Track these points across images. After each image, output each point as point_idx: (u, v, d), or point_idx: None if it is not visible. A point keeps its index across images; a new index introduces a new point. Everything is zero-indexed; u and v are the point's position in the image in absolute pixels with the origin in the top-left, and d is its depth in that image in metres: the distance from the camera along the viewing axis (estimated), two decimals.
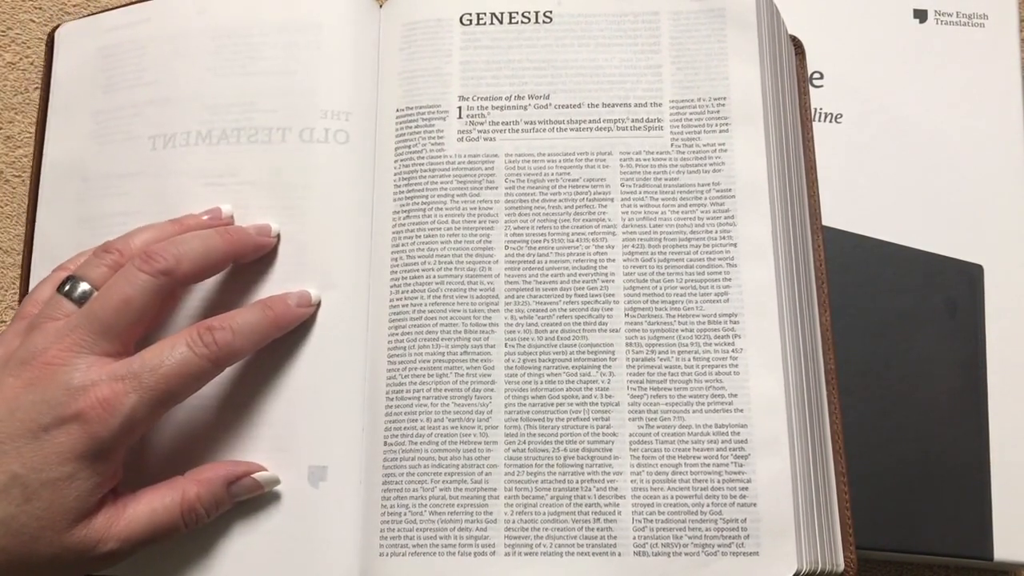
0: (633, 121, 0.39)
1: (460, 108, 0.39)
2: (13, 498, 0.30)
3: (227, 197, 0.39)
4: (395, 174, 0.39)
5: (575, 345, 0.36)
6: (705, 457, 0.35)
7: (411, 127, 0.39)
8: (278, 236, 0.38)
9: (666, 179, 0.38)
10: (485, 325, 0.37)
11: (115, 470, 0.32)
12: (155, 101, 0.40)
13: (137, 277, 0.33)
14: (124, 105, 0.41)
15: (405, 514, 0.35)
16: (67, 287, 0.34)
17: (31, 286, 0.40)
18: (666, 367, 0.36)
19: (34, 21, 0.51)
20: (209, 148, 0.39)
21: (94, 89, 0.42)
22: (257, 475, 0.35)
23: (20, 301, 0.40)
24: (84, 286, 0.34)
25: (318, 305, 0.37)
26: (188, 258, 0.34)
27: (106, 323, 0.33)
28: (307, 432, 0.36)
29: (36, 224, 0.41)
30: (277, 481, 0.36)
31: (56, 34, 0.43)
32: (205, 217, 0.38)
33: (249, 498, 0.35)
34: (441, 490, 0.35)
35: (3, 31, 0.51)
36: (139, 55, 0.41)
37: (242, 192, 0.39)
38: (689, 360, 0.36)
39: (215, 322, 0.34)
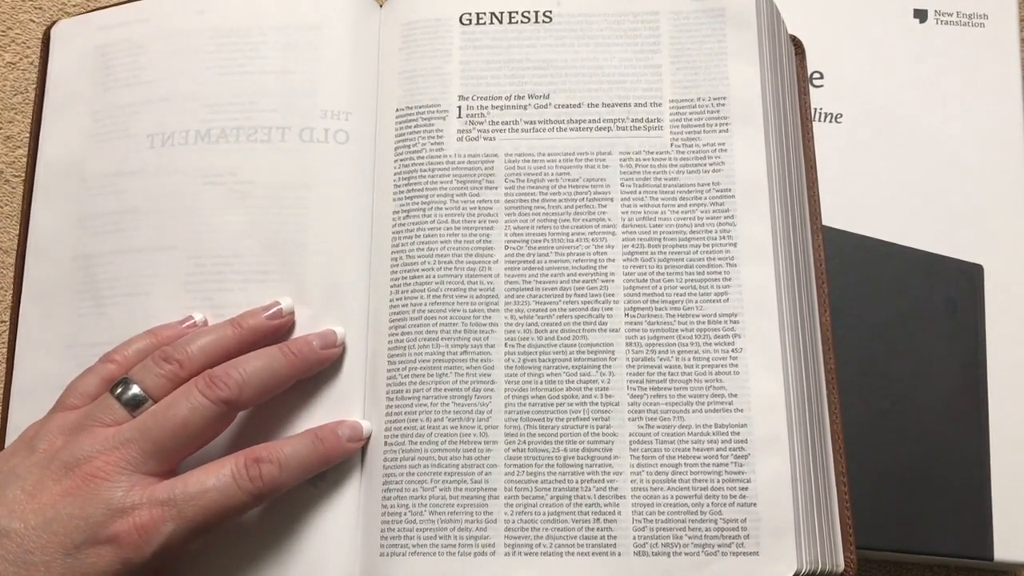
0: (633, 121, 0.39)
1: (460, 108, 0.39)
2: None
3: (227, 196, 0.39)
4: (395, 174, 0.39)
5: (575, 345, 0.36)
6: (705, 457, 0.35)
7: (411, 127, 0.39)
8: (343, 344, 0.37)
9: (666, 179, 0.38)
10: (485, 325, 0.37)
11: None
12: (154, 100, 0.40)
13: (198, 401, 0.32)
14: (122, 104, 0.41)
15: (405, 514, 0.35)
16: (119, 390, 0.33)
17: (24, 286, 0.39)
18: (666, 367, 0.36)
19: (34, 21, 0.51)
20: (208, 147, 0.39)
21: (92, 87, 0.41)
22: None
23: (13, 303, 0.39)
24: (137, 390, 0.33)
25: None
26: (251, 385, 0.33)
27: (159, 444, 0.32)
28: None
29: (31, 223, 0.40)
30: None
31: (52, 31, 0.43)
32: (265, 315, 0.36)
33: None
34: (441, 490, 0.35)
35: (3, 31, 0.51)
36: (137, 54, 0.41)
37: (242, 191, 0.39)
38: (689, 360, 0.36)
39: (263, 453, 0.33)
